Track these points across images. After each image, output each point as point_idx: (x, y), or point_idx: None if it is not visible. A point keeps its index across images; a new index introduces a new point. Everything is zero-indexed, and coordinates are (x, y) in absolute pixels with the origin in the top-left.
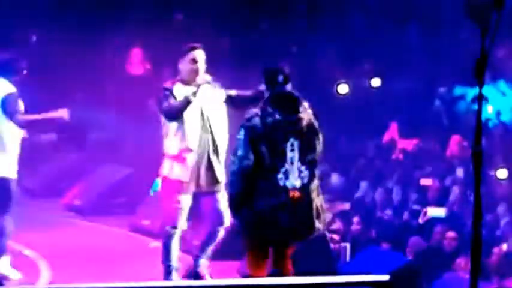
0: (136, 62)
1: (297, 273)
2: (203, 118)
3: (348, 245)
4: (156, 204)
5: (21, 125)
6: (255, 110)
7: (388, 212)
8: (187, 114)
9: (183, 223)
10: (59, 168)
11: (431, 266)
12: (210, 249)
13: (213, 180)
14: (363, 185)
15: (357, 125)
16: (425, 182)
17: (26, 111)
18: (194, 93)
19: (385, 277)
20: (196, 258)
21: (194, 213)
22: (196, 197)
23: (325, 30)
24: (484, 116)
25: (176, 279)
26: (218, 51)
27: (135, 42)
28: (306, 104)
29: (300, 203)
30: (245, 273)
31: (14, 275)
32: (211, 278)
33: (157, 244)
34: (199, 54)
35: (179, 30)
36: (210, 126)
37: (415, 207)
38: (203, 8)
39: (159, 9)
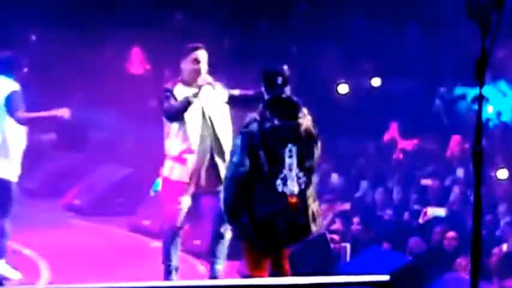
0: (137, 62)
1: (297, 274)
2: (205, 119)
3: (348, 245)
4: (156, 204)
5: (22, 122)
6: (254, 115)
7: (389, 212)
8: (188, 115)
9: (183, 223)
10: (59, 168)
11: (432, 266)
12: (220, 251)
13: (215, 180)
14: (363, 185)
15: (357, 125)
16: (426, 182)
17: (26, 111)
18: (195, 95)
19: (385, 277)
20: (212, 265)
21: (194, 213)
22: (196, 197)
23: (325, 30)
24: (484, 116)
25: (176, 279)
26: (218, 51)
27: (135, 42)
28: (305, 109)
29: (297, 209)
30: (245, 273)
31: (14, 275)
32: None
33: (158, 244)
34: (202, 55)
35: (179, 30)
36: (212, 127)
37: (415, 207)
38: (203, 8)
39: (159, 9)
